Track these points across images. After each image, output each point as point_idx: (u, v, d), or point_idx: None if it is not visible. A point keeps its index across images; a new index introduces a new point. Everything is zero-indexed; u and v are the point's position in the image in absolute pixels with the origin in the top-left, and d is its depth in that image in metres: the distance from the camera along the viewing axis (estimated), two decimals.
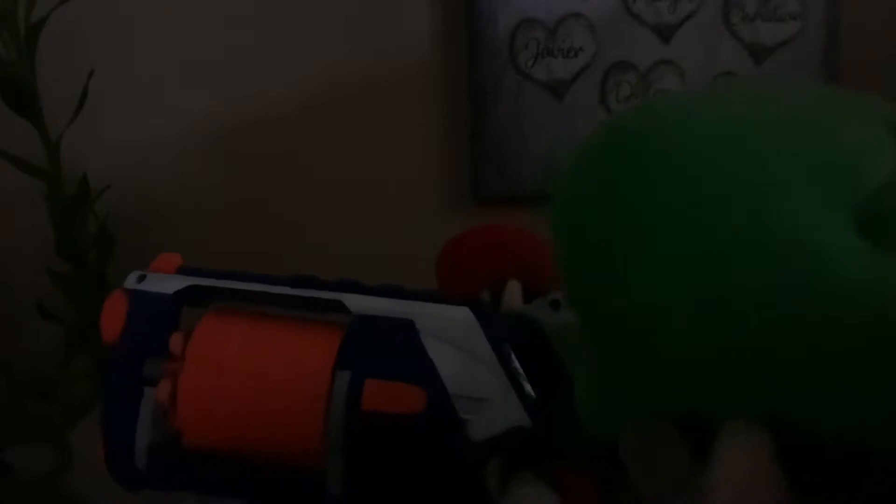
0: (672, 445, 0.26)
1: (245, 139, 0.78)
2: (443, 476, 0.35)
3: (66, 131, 0.67)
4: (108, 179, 0.72)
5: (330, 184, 0.79)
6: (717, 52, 0.78)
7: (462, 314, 0.36)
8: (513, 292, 0.42)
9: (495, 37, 0.76)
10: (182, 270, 0.40)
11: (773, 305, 0.22)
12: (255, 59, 0.77)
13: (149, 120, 0.78)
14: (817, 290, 0.22)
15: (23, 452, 0.70)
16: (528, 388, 0.35)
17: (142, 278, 0.39)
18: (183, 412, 0.36)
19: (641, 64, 0.77)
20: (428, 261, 0.81)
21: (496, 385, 0.35)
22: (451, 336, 0.36)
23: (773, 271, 0.22)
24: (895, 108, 0.27)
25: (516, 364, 0.36)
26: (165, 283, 0.39)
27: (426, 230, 0.80)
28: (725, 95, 0.29)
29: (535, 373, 0.36)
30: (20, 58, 0.64)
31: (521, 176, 0.77)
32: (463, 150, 0.78)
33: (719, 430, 0.23)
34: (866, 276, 0.21)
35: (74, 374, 0.71)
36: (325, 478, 0.35)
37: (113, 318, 0.38)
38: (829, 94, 0.30)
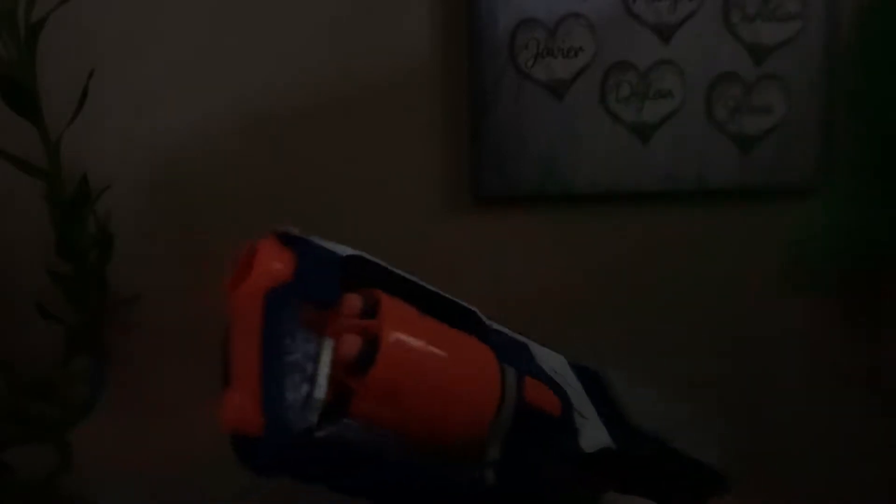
0: None
1: (245, 139, 0.78)
2: (572, 473, 0.38)
3: (66, 131, 0.67)
4: (108, 179, 0.72)
5: (330, 183, 0.79)
6: (717, 52, 0.78)
7: (556, 354, 0.42)
8: None
9: (495, 37, 0.76)
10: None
11: None
12: (254, 59, 0.77)
13: (149, 120, 0.78)
14: None
15: (23, 452, 0.70)
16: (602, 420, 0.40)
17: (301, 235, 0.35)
18: (379, 375, 0.32)
19: (641, 64, 0.77)
20: (428, 260, 0.81)
21: (590, 409, 0.40)
22: (551, 365, 0.40)
23: None
24: None
25: (597, 397, 0.41)
26: (332, 245, 0.37)
27: (426, 230, 0.80)
28: None
29: (603, 408, 0.41)
30: (20, 58, 0.64)
31: (521, 176, 0.77)
32: (463, 150, 0.78)
33: None
34: None
35: (74, 374, 0.71)
36: (482, 465, 0.35)
37: (274, 259, 0.34)
38: None
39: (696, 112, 0.78)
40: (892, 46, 0.25)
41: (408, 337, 0.33)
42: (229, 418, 0.32)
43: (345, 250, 0.37)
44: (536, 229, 0.80)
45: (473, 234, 0.80)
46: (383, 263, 0.38)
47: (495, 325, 0.40)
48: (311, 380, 0.31)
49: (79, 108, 0.66)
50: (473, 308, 0.39)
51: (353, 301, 0.33)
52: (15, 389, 0.69)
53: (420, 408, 0.33)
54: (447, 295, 0.39)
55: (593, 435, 0.39)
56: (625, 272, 0.81)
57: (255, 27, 0.77)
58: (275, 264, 0.34)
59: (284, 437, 0.30)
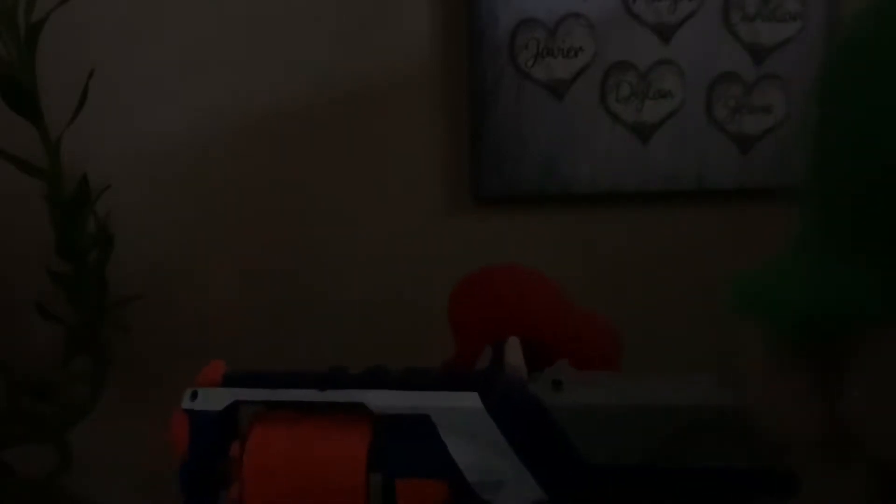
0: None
1: (244, 139, 0.78)
2: None
3: (66, 131, 0.67)
4: (108, 179, 0.72)
5: (331, 184, 0.79)
6: (717, 52, 0.78)
7: (471, 402, 0.39)
8: (514, 352, 0.43)
9: (495, 37, 0.76)
10: (227, 380, 0.45)
11: None
12: (254, 59, 0.77)
13: (149, 120, 0.78)
14: None
15: (23, 452, 0.70)
16: (538, 465, 0.38)
17: (194, 395, 0.45)
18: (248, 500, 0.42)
19: (641, 64, 0.77)
20: (428, 260, 0.81)
21: (510, 466, 0.38)
22: (463, 426, 0.39)
23: None
24: None
25: (525, 444, 0.39)
26: (215, 400, 0.45)
27: (426, 229, 0.80)
28: None
29: (546, 451, 0.38)
30: (20, 58, 0.64)
31: (521, 176, 0.77)
32: (463, 150, 0.78)
33: None
34: None
35: (74, 374, 0.71)
36: None
37: (180, 435, 0.44)
38: None
39: (696, 112, 0.78)
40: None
41: (263, 478, 0.42)
42: None
43: (225, 401, 0.44)
44: (536, 229, 0.80)
45: (473, 234, 0.80)
46: (262, 396, 0.45)
47: (400, 398, 0.41)
48: None
49: (79, 108, 0.66)
50: (362, 401, 0.41)
51: (235, 450, 0.43)
52: (15, 389, 0.69)
53: None
54: (338, 398, 0.43)
55: (516, 495, 0.39)
56: (625, 272, 0.81)
57: (255, 27, 0.77)
58: (176, 442, 0.45)
59: None
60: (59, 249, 0.68)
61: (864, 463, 0.23)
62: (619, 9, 0.77)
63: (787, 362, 0.24)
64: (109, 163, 0.76)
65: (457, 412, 0.40)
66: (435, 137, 0.79)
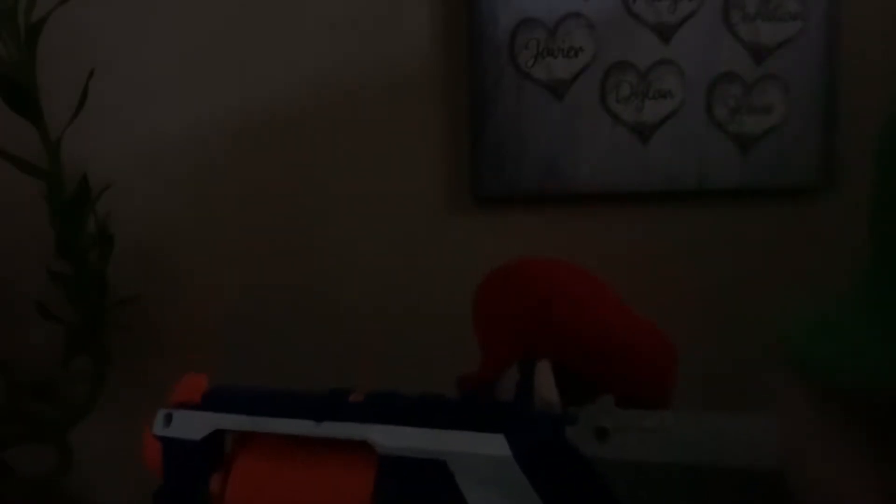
0: None
1: (244, 139, 0.78)
2: None
3: (66, 131, 0.67)
4: (108, 179, 0.72)
5: (331, 184, 0.79)
6: (717, 52, 0.78)
7: (496, 447, 0.34)
8: (544, 379, 0.37)
9: (495, 37, 0.76)
10: (207, 401, 0.41)
11: None
12: (254, 59, 0.77)
13: (149, 120, 0.78)
14: None
15: (23, 452, 0.70)
16: None
17: (168, 419, 0.40)
18: None
19: (641, 64, 0.77)
20: (428, 260, 0.81)
21: None
22: (484, 474, 0.34)
23: None
24: None
25: (560, 501, 0.33)
26: (192, 427, 0.40)
27: (426, 230, 0.80)
28: None
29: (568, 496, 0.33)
30: (20, 58, 0.64)
31: (521, 176, 0.77)
32: (463, 150, 0.78)
33: None
34: None
35: (74, 374, 0.71)
36: None
37: (152, 459, 0.41)
38: None
39: (696, 112, 0.78)
40: None
41: None
42: None
43: (204, 430, 0.40)
44: (536, 229, 0.80)
45: (473, 234, 0.80)
46: (247, 425, 0.39)
47: (404, 441, 0.35)
48: None
49: (79, 108, 0.66)
50: (367, 437, 0.36)
51: (216, 483, 0.40)
52: (15, 389, 0.69)
53: None
54: (337, 433, 0.37)
55: None
56: (625, 272, 0.81)
57: (255, 28, 0.77)
58: (149, 463, 0.41)
59: None
60: (59, 249, 0.68)
61: None
62: (619, 9, 0.77)
63: (845, 428, 0.22)
64: (109, 163, 0.77)
65: (479, 459, 0.34)
66: (435, 137, 0.79)
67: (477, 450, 0.34)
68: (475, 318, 0.46)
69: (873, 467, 0.21)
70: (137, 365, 0.79)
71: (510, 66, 0.76)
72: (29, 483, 0.70)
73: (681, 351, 0.51)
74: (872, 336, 0.22)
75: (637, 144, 0.78)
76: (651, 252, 0.81)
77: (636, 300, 0.82)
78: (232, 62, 0.77)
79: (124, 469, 0.78)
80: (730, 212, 0.81)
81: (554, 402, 0.36)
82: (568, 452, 0.33)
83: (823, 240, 0.84)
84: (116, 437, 0.75)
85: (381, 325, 0.80)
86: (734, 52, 0.78)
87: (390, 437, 0.35)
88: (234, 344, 0.79)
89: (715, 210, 0.81)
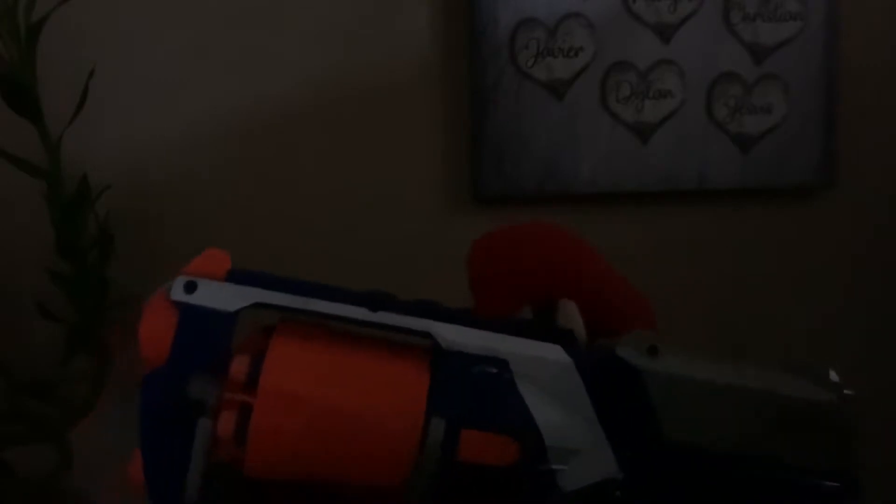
0: None
1: (244, 139, 0.78)
2: None
3: (66, 131, 0.67)
4: (108, 179, 0.72)
5: (331, 184, 0.79)
6: (717, 52, 0.78)
7: (556, 355, 0.33)
8: (572, 316, 0.37)
9: (495, 37, 0.76)
10: (234, 276, 0.35)
11: None
12: (254, 59, 0.77)
13: (149, 120, 0.78)
14: None
15: (23, 452, 0.70)
16: (622, 439, 0.33)
17: (191, 287, 0.34)
18: (255, 449, 0.32)
19: (641, 64, 0.77)
20: (428, 260, 0.81)
21: (590, 435, 0.33)
22: (545, 380, 0.33)
23: None
24: None
25: (612, 413, 0.33)
26: (223, 297, 0.34)
27: (426, 229, 0.80)
28: None
29: (629, 423, 0.33)
30: (20, 58, 0.64)
31: (521, 176, 0.77)
32: (463, 150, 0.78)
33: None
34: None
35: (74, 374, 0.71)
36: None
37: (157, 333, 0.33)
38: None
39: (696, 112, 0.78)
40: None
41: (284, 410, 0.32)
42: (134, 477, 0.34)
43: (239, 302, 0.34)
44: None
45: (473, 234, 0.80)
46: (294, 302, 0.35)
47: (472, 336, 0.33)
48: (184, 463, 0.32)
49: (79, 108, 0.66)
50: (429, 328, 0.33)
51: (239, 366, 0.32)
52: (15, 389, 0.69)
53: (314, 468, 0.32)
54: (396, 321, 0.34)
55: (588, 467, 0.33)
56: (624, 272, 0.81)
57: (255, 28, 0.77)
58: (149, 342, 0.33)
59: None
60: (59, 249, 0.68)
61: None
62: (619, 9, 0.77)
63: None
64: (109, 163, 0.76)
65: (542, 363, 0.33)
66: (435, 137, 0.79)
67: (540, 353, 0.33)
68: (479, 275, 0.44)
69: None
70: (137, 365, 0.79)
71: (510, 66, 0.76)
72: (29, 483, 0.70)
73: None
74: None
75: (637, 144, 0.78)
76: (651, 252, 0.81)
77: None
78: (232, 62, 0.77)
79: (124, 469, 0.78)
80: (730, 212, 0.81)
81: (582, 335, 0.35)
82: (622, 364, 0.33)
83: (823, 239, 0.84)
84: (116, 437, 0.75)
85: None
86: (734, 52, 0.78)
87: (454, 333, 0.33)
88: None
89: (715, 210, 0.81)
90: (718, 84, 0.78)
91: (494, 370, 0.33)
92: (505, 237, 0.45)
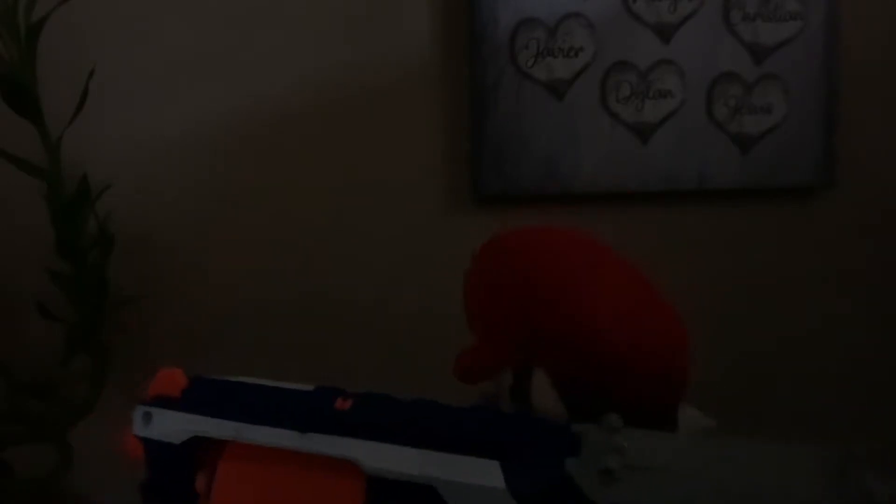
0: None
1: (245, 139, 0.78)
2: None
3: (66, 131, 0.67)
4: (108, 179, 0.72)
5: (331, 184, 0.79)
6: (717, 52, 0.78)
7: (491, 475, 0.31)
8: (542, 388, 0.35)
9: (495, 37, 0.76)
10: (189, 393, 0.40)
11: None
12: (254, 59, 0.77)
13: (149, 120, 0.78)
14: None
15: (23, 452, 0.70)
16: None
17: (147, 417, 0.40)
18: None
19: (641, 64, 0.77)
20: (428, 260, 0.81)
21: None
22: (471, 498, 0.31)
23: None
24: None
25: None
26: (171, 431, 0.39)
27: (426, 229, 0.80)
28: None
29: None
30: (20, 58, 0.64)
31: (521, 176, 0.77)
32: (463, 149, 0.78)
33: None
34: None
35: (74, 374, 0.71)
36: None
37: (135, 452, 0.41)
38: None
39: (696, 112, 0.78)
40: None
41: None
42: None
43: (183, 434, 0.39)
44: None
45: (473, 234, 0.80)
46: (229, 433, 0.38)
47: (393, 463, 0.33)
48: None
49: (79, 108, 0.66)
50: (353, 457, 0.34)
51: (199, 483, 0.39)
52: (15, 389, 0.69)
53: None
54: (323, 449, 0.35)
55: None
56: None
57: (255, 28, 0.77)
58: (132, 459, 0.41)
59: None
60: (59, 249, 0.68)
61: None
62: (619, 9, 0.77)
63: None
64: (109, 163, 0.76)
65: (472, 490, 0.31)
66: (435, 137, 0.79)
67: (469, 479, 0.31)
68: (467, 299, 0.43)
69: None
70: (137, 365, 0.79)
71: (510, 66, 0.76)
72: (29, 483, 0.70)
73: None
74: None
75: (637, 144, 0.78)
76: (651, 252, 0.81)
77: None
78: (232, 62, 0.77)
79: (124, 469, 0.78)
80: (730, 212, 0.81)
81: (551, 412, 0.34)
82: (569, 492, 0.30)
83: (823, 239, 0.84)
84: (116, 437, 0.75)
85: (381, 323, 0.80)
86: (734, 52, 0.78)
87: (377, 457, 0.33)
88: (234, 344, 0.79)
89: (715, 210, 0.81)
90: (718, 84, 0.78)
91: (422, 497, 0.32)
92: (510, 270, 0.42)
